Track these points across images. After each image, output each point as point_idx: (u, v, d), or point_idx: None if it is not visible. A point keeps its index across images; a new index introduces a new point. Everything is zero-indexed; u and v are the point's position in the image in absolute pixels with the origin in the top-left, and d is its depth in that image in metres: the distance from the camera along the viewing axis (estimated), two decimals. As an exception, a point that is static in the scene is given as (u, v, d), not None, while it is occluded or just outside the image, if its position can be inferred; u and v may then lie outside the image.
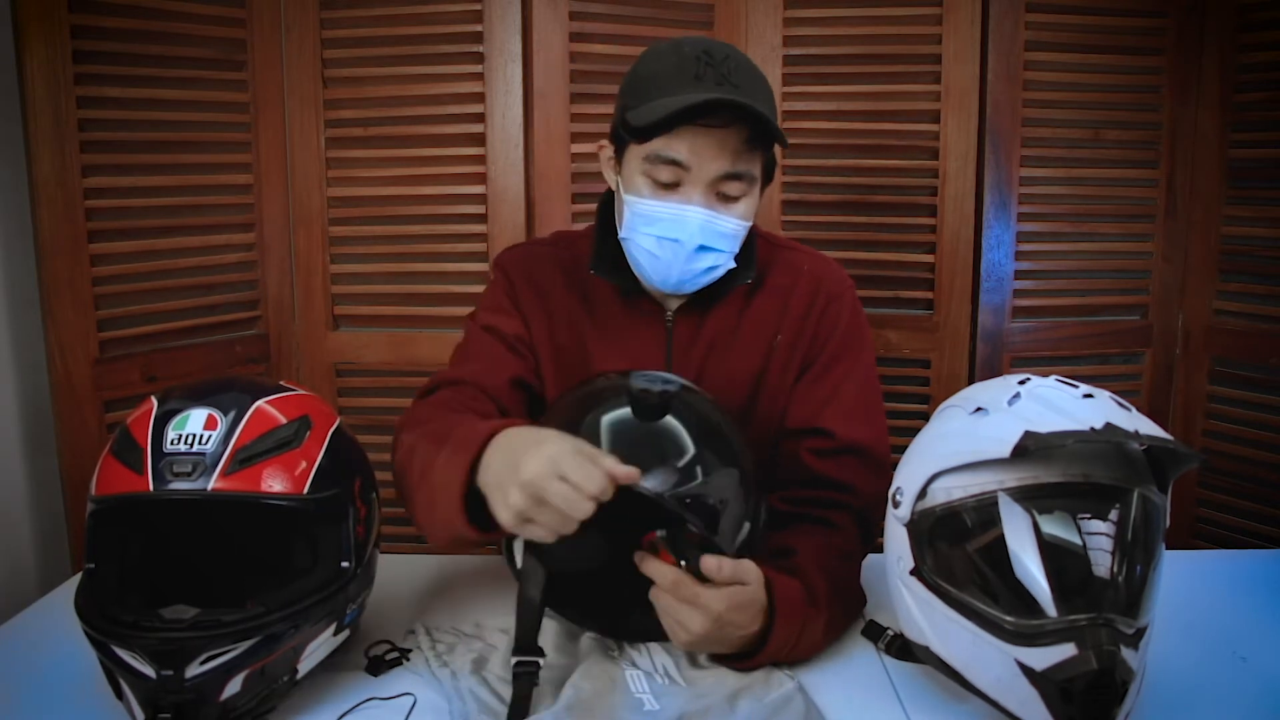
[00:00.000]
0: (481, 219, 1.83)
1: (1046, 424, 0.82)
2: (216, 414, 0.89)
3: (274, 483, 0.89)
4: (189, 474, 0.86)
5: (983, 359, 1.90)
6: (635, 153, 1.07)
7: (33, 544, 1.52)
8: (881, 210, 1.87)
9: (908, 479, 0.91)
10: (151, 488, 0.85)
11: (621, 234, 1.12)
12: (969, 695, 0.88)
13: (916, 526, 0.90)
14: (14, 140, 1.51)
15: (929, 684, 0.96)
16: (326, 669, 0.96)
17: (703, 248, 1.07)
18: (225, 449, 0.88)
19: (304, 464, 0.91)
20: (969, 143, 1.83)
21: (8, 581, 1.45)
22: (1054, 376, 0.91)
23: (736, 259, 1.13)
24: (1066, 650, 0.79)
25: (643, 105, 1.04)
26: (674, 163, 1.04)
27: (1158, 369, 1.94)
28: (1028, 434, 0.81)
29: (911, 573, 0.90)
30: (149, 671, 0.83)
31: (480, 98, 1.80)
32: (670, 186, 1.06)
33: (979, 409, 0.89)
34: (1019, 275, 1.89)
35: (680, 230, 1.06)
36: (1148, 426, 0.83)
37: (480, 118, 1.80)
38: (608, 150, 1.15)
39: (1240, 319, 1.85)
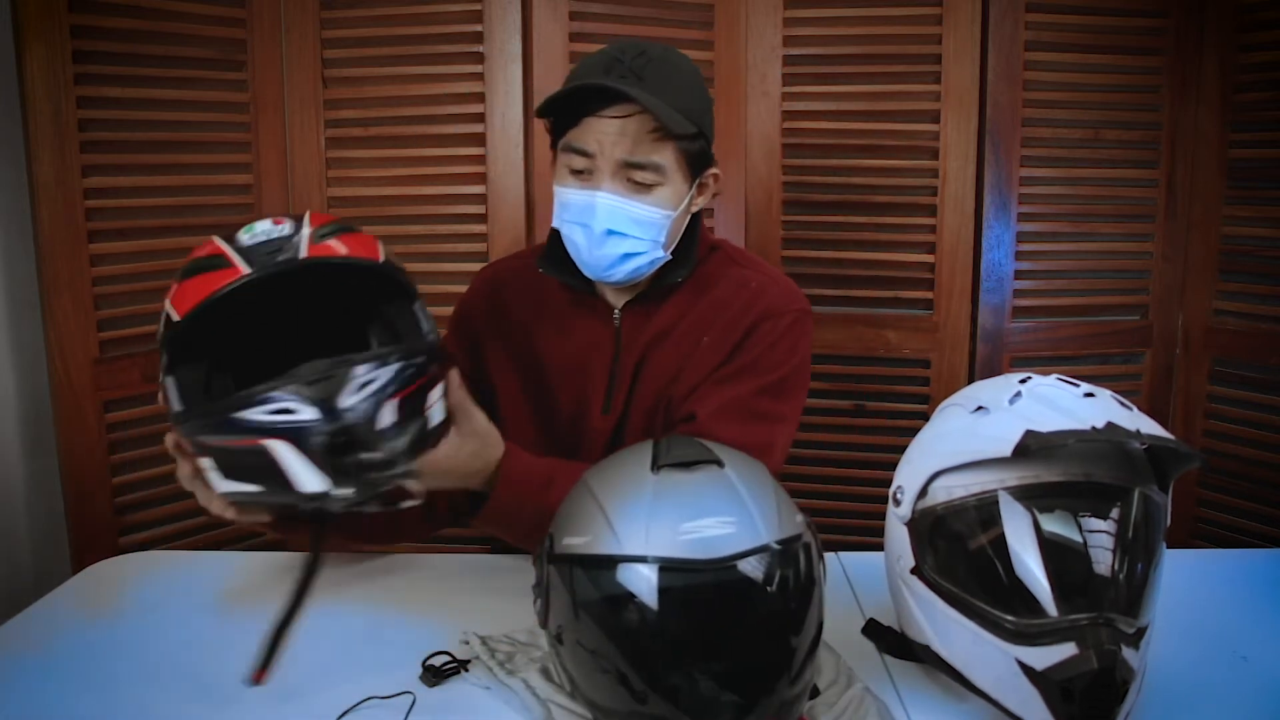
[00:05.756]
0: (481, 219, 1.83)
1: (1048, 423, 0.82)
2: (279, 218, 0.89)
3: (352, 251, 0.88)
4: (280, 253, 0.84)
5: (983, 359, 1.90)
6: (559, 146, 1.13)
7: (32, 544, 1.52)
8: (881, 210, 1.87)
9: (909, 477, 0.91)
10: (246, 270, 0.83)
11: (554, 222, 1.16)
12: (969, 695, 0.88)
13: (917, 525, 0.90)
14: (14, 140, 1.51)
15: (929, 684, 0.95)
16: (323, 670, 0.96)
17: (612, 232, 1.10)
18: (302, 230, 0.87)
19: (372, 241, 0.91)
20: (969, 143, 1.83)
21: (7, 581, 1.45)
22: (1055, 375, 0.91)
23: (675, 255, 1.17)
24: (1067, 650, 0.79)
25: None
26: (582, 152, 1.09)
27: (1158, 369, 1.94)
28: (1029, 433, 0.81)
29: (912, 571, 0.90)
30: (309, 413, 0.82)
31: (480, 98, 1.80)
32: (583, 174, 1.11)
33: (980, 408, 0.89)
34: (1019, 275, 1.89)
35: (589, 215, 1.10)
36: (1149, 425, 0.83)
37: (480, 118, 1.80)
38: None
39: (1240, 319, 1.85)
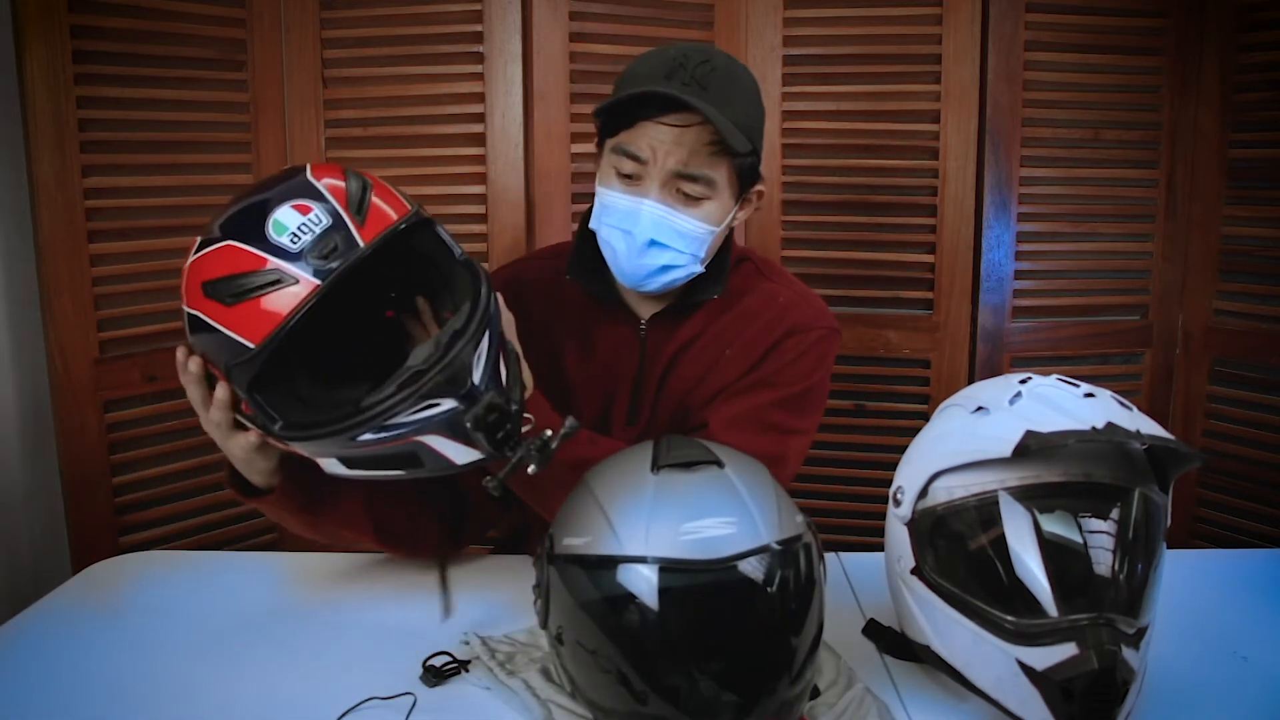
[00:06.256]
0: (481, 219, 1.83)
1: (1048, 423, 0.82)
2: (299, 202, 0.83)
3: (392, 212, 0.87)
4: (338, 251, 0.81)
5: (983, 359, 1.90)
6: (606, 146, 1.10)
7: (32, 544, 1.52)
8: (881, 210, 1.87)
9: (909, 478, 0.91)
10: (323, 283, 0.79)
11: (591, 223, 1.14)
12: (969, 695, 0.88)
13: (918, 525, 0.90)
14: (14, 140, 1.51)
15: (929, 684, 0.95)
16: (323, 670, 0.96)
17: (655, 243, 1.08)
18: (340, 212, 0.84)
19: (388, 187, 0.91)
20: (969, 143, 1.83)
21: (7, 581, 1.45)
22: (1055, 375, 0.91)
23: (707, 269, 1.14)
24: (1067, 650, 0.79)
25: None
26: (634, 157, 1.06)
27: (1158, 369, 1.94)
28: (1029, 433, 0.81)
29: (912, 572, 0.90)
30: (450, 403, 0.83)
31: (480, 98, 1.80)
32: (631, 179, 1.08)
33: (980, 408, 0.89)
34: (1019, 275, 1.89)
35: (633, 222, 1.08)
36: (1149, 426, 0.83)
37: (480, 118, 1.80)
38: None
39: (1240, 319, 1.85)
